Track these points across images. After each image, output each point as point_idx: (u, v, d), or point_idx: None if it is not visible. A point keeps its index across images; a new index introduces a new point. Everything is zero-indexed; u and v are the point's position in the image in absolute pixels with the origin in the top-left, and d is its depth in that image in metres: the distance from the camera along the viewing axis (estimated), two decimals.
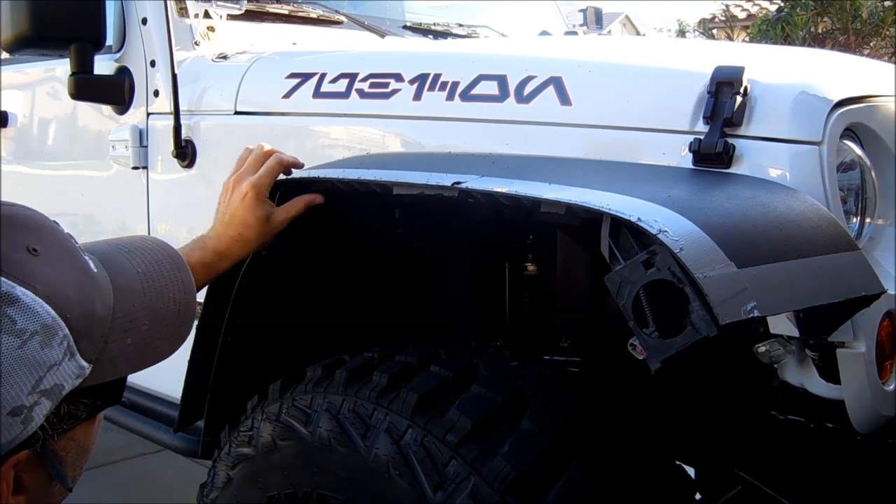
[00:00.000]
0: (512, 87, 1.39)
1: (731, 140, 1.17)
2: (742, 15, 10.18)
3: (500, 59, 1.57)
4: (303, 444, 1.39)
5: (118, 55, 2.00)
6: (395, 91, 1.52)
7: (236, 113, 1.80)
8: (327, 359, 1.49)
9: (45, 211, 0.83)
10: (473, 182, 1.19)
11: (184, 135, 1.86)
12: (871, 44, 6.22)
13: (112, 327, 0.80)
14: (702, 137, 1.18)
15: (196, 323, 1.55)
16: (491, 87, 1.41)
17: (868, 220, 1.28)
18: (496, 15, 2.72)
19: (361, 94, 1.57)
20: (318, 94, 1.64)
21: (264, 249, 1.43)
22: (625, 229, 1.01)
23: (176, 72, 1.81)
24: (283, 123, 1.70)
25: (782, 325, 1.14)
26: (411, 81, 1.51)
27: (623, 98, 1.31)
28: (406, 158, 1.50)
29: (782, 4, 6.76)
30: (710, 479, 1.70)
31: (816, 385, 1.21)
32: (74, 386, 0.76)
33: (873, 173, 1.28)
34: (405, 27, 2.38)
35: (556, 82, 1.35)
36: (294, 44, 2.01)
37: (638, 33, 23.44)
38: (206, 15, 1.94)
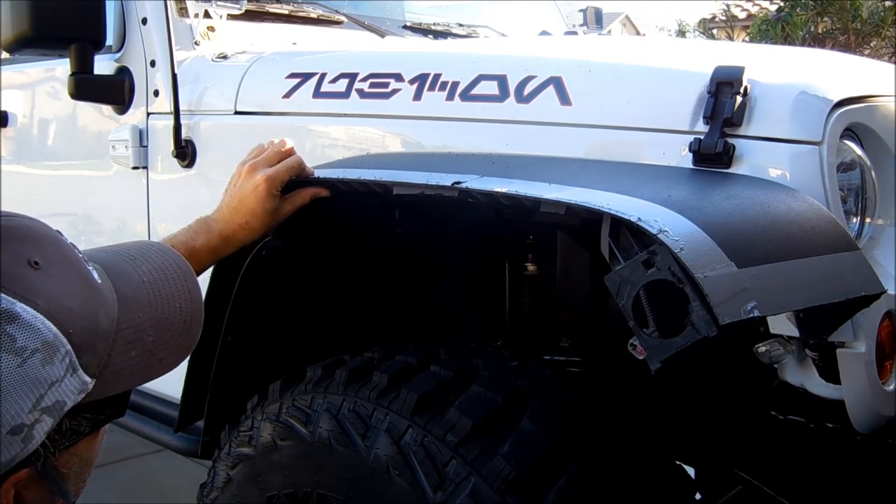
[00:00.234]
0: (512, 87, 1.39)
1: (731, 140, 1.17)
2: (742, 15, 10.19)
3: (500, 59, 1.57)
4: (303, 444, 1.39)
5: (118, 55, 2.00)
6: (395, 91, 1.52)
7: (236, 113, 1.80)
8: (327, 359, 1.49)
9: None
10: (473, 182, 1.19)
11: (184, 135, 1.86)
12: (872, 44, 6.22)
13: (116, 340, 0.78)
14: (702, 137, 1.18)
15: None
16: (491, 87, 1.41)
17: (868, 220, 1.28)
18: (496, 15, 2.72)
19: (361, 94, 1.57)
20: (318, 94, 1.64)
21: (264, 250, 1.43)
22: (625, 229, 1.01)
23: (176, 72, 1.81)
24: (283, 123, 1.70)
25: (782, 325, 1.14)
26: (411, 81, 1.51)
27: (623, 98, 1.31)
28: (406, 158, 1.50)
29: (782, 4, 6.75)
30: (710, 479, 1.70)
31: (816, 385, 1.21)
32: (77, 402, 0.74)
33: (873, 173, 1.28)
34: (405, 27, 2.38)
35: (556, 82, 1.35)
36: (294, 44, 2.01)
37: (638, 33, 23.43)
38: (206, 15, 1.94)
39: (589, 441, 1.28)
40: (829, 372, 1.18)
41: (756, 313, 0.91)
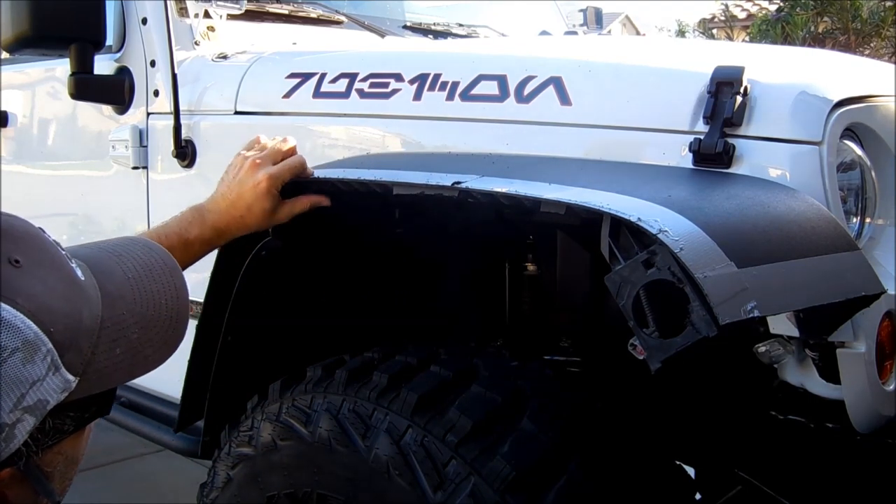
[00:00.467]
0: (512, 87, 1.39)
1: (731, 140, 1.17)
2: (742, 15, 10.18)
3: (500, 59, 1.57)
4: (303, 444, 1.39)
5: (118, 55, 2.00)
6: (395, 91, 1.52)
7: (236, 113, 1.80)
8: (327, 359, 1.49)
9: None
10: (473, 182, 1.19)
11: (184, 135, 1.86)
12: (872, 44, 6.22)
13: (100, 337, 0.77)
14: (702, 137, 1.18)
15: (196, 323, 1.56)
16: (491, 87, 1.41)
17: (868, 220, 1.28)
18: (496, 15, 2.72)
19: (361, 94, 1.57)
20: (318, 93, 1.64)
21: (264, 250, 1.43)
22: (625, 229, 1.01)
23: (176, 72, 1.81)
24: (283, 123, 1.70)
25: (782, 325, 1.14)
26: (411, 81, 1.51)
27: (623, 98, 1.31)
28: (406, 158, 1.50)
29: (782, 4, 6.75)
30: (710, 479, 1.70)
31: (816, 385, 1.21)
32: (60, 400, 0.73)
33: (873, 173, 1.28)
34: (405, 27, 2.38)
35: (556, 82, 1.35)
36: (294, 44, 2.01)
37: (638, 33, 23.43)
38: (206, 15, 1.94)
39: (589, 441, 1.28)
40: (829, 372, 1.18)
41: (756, 313, 0.91)
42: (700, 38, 8.48)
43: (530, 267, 1.66)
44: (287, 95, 1.69)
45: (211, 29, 1.95)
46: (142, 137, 1.98)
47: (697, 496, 1.59)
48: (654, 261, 0.96)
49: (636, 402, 1.52)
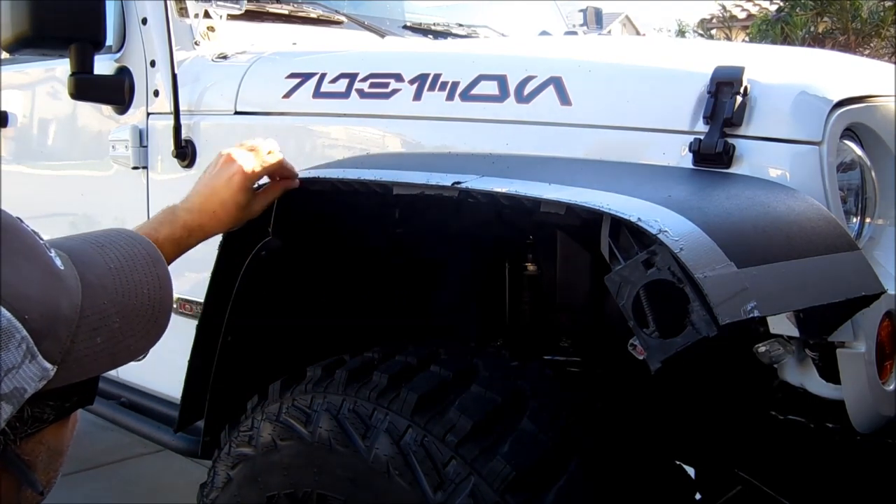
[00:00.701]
0: (512, 87, 1.39)
1: (731, 140, 1.17)
2: (742, 15, 10.18)
3: (500, 59, 1.57)
4: (303, 444, 1.39)
5: (118, 55, 2.00)
6: (395, 91, 1.52)
7: (236, 113, 1.80)
8: (327, 359, 1.49)
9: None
10: (473, 182, 1.19)
11: (184, 135, 1.86)
12: (872, 44, 6.22)
13: (80, 326, 0.77)
14: (702, 137, 1.18)
15: (196, 323, 1.56)
16: (491, 87, 1.41)
17: (868, 220, 1.28)
18: (496, 15, 2.72)
19: (361, 94, 1.57)
20: (318, 94, 1.64)
21: (264, 250, 1.43)
22: (625, 229, 1.01)
23: (176, 72, 1.81)
24: (283, 123, 1.70)
25: (782, 325, 1.14)
26: (411, 81, 1.51)
27: (623, 98, 1.31)
28: (406, 158, 1.50)
29: (782, 4, 6.75)
30: (710, 479, 1.70)
31: (816, 385, 1.21)
32: (37, 388, 0.73)
33: (873, 173, 1.28)
34: (405, 27, 2.38)
35: (556, 82, 1.35)
36: (294, 44, 2.01)
37: (638, 33, 23.43)
38: (206, 15, 1.94)
39: (589, 441, 1.28)
40: (829, 372, 1.18)
41: (756, 313, 0.91)
42: (700, 38, 8.47)
43: (530, 267, 1.66)
44: (287, 95, 1.69)
45: (211, 29, 1.95)
46: (142, 137, 1.98)
47: (697, 496, 1.59)
48: (654, 261, 0.96)
49: (636, 403, 1.52)
